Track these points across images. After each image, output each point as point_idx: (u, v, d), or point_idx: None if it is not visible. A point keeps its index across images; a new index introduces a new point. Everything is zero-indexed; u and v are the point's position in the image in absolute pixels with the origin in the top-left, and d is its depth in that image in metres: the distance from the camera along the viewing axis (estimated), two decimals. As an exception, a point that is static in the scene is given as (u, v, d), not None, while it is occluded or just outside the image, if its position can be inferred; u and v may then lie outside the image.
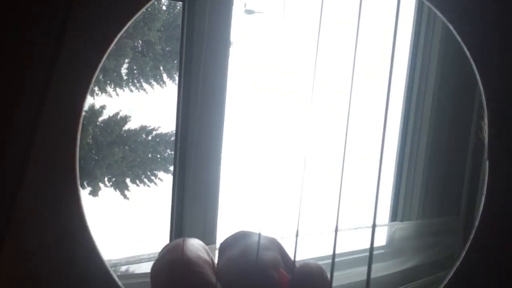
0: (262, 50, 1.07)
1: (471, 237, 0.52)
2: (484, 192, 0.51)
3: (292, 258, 0.68)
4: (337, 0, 1.03)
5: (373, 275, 1.15)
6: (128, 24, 0.49)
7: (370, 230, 1.19)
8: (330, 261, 1.08)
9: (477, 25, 0.52)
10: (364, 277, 1.12)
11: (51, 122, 0.48)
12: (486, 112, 0.51)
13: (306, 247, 1.07)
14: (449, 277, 0.52)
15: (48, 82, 0.47)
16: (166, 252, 0.70)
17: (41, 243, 0.48)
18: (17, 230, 0.47)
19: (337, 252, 1.14)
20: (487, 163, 0.51)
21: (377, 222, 1.24)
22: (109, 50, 0.48)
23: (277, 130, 1.10)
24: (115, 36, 0.48)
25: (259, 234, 0.67)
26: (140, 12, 0.49)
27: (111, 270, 0.50)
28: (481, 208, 0.51)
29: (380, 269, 1.18)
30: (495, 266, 0.53)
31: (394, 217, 1.30)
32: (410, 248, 1.24)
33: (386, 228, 1.24)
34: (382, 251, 1.25)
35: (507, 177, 0.52)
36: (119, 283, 0.50)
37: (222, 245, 0.76)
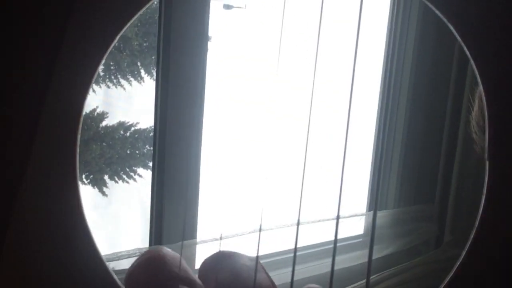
0: (242, 45, 1.08)
1: (471, 237, 0.53)
2: (484, 192, 0.52)
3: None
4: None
5: (352, 262, 1.18)
6: (130, 22, 0.49)
7: (348, 220, 1.21)
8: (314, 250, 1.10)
9: (477, 25, 0.53)
10: (341, 266, 1.15)
11: (51, 122, 0.48)
12: (486, 112, 0.53)
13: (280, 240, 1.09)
14: (449, 277, 0.54)
15: (48, 82, 0.46)
16: (141, 258, 0.66)
17: (41, 242, 0.48)
18: (17, 230, 0.47)
19: (318, 242, 1.17)
20: (487, 163, 0.52)
21: (355, 212, 1.27)
22: (110, 49, 0.48)
23: (255, 126, 1.12)
24: (116, 35, 0.48)
25: (256, 258, 0.65)
26: (142, 10, 0.49)
27: (111, 270, 0.51)
28: (481, 208, 0.52)
29: (358, 257, 1.21)
30: (495, 266, 0.55)
31: (371, 206, 1.33)
32: (387, 236, 1.27)
33: (363, 217, 1.27)
34: (361, 239, 1.28)
35: (507, 177, 0.53)
36: (119, 282, 0.51)
37: (203, 267, 0.71)
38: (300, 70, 1.13)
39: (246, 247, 1.04)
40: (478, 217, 0.52)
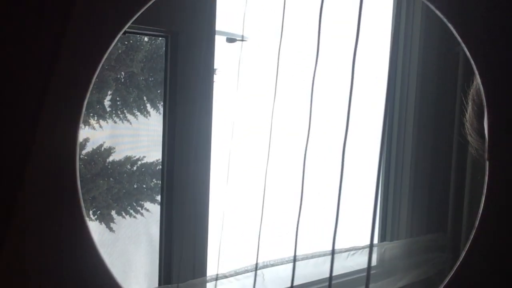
0: (246, 77, 1.09)
1: (471, 237, 0.52)
2: (484, 192, 0.52)
3: None
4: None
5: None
6: (129, 23, 0.49)
7: (360, 252, 1.19)
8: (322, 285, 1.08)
9: (477, 25, 0.53)
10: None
11: (51, 122, 0.47)
12: (486, 112, 0.52)
13: (298, 272, 1.06)
14: (449, 277, 0.53)
15: (48, 82, 0.46)
16: None
17: (41, 243, 0.47)
18: (17, 230, 0.46)
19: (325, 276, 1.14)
20: (487, 163, 0.52)
21: (366, 243, 1.24)
22: (109, 49, 0.49)
23: (265, 157, 1.11)
24: (117, 34, 0.48)
25: None
26: (143, 9, 0.50)
27: (111, 270, 0.49)
28: (481, 208, 0.52)
29: (372, 290, 1.18)
30: (495, 267, 0.53)
31: (383, 237, 1.31)
32: (400, 267, 1.24)
33: (376, 248, 1.24)
34: (373, 271, 1.25)
35: (507, 177, 0.52)
36: (119, 282, 0.50)
37: None
38: (304, 97, 1.13)
39: (257, 283, 1.02)
40: (478, 217, 0.52)
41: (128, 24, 0.50)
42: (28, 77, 0.47)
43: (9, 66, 0.46)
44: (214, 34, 0.98)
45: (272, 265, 0.99)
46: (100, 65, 0.49)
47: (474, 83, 0.60)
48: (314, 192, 1.14)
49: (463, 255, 0.52)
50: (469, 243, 0.52)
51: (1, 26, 0.45)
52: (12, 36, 0.45)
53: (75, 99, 0.48)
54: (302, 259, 1.06)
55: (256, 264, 0.90)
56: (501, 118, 0.51)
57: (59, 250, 0.48)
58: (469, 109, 0.62)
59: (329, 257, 1.13)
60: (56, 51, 0.46)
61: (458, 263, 0.52)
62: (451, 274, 0.52)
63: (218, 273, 0.97)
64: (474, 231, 0.51)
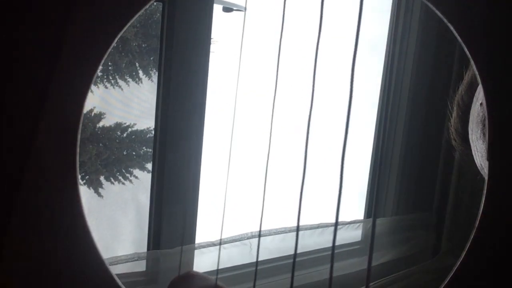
0: (243, 47, 1.07)
1: (471, 237, 0.53)
2: (484, 192, 0.52)
3: None
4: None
5: (349, 270, 1.18)
6: (131, 21, 0.48)
7: (346, 227, 1.21)
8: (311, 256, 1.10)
9: (477, 25, 0.53)
10: (339, 273, 1.14)
11: (52, 121, 0.47)
12: (486, 112, 0.52)
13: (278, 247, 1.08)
14: (449, 277, 0.53)
15: (48, 82, 0.46)
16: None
17: (41, 242, 0.47)
18: (17, 230, 0.46)
19: (316, 248, 1.16)
20: (487, 163, 0.52)
21: (352, 219, 1.26)
22: (110, 48, 0.48)
23: (257, 128, 1.11)
24: (117, 34, 0.47)
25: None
26: (143, 10, 0.48)
27: (111, 269, 0.50)
28: (481, 208, 0.52)
29: (356, 264, 1.21)
30: (495, 266, 0.54)
31: (369, 214, 1.33)
32: (385, 243, 1.26)
33: (362, 224, 1.26)
34: (358, 246, 1.27)
35: (507, 177, 0.53)
36: (119, 282, 0.50)
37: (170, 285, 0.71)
38: (300, 75, 1.13)
39: (244, 252, 1.03)
40: (478, 217, 0.52)
41: (131, 22, 0.49)
42: (33, 60, 0.46)
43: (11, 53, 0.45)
44: (213, 2, 0.96)
45: (262, 236, 1.01)
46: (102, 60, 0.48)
47: (460, 88, 0.61)
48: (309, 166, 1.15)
49: (463, 255, 0.53)
50: (469, 243, 0.52)
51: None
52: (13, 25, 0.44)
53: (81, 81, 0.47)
54: (290, 231, 1.08)
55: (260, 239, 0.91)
56: (501, 118, 0.52)
57: (58, 246, 0.48)
58: (454, 114, 0.62)
59: (317, 231, 1.15)
60: (60, 39, 0.45)
61: (458, 263, 0.53)
62: (451, 274, 0.53)
63: (205, 241, 0.98)
64: (474, 231, 0.52)
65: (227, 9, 1.12)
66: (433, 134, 1.34)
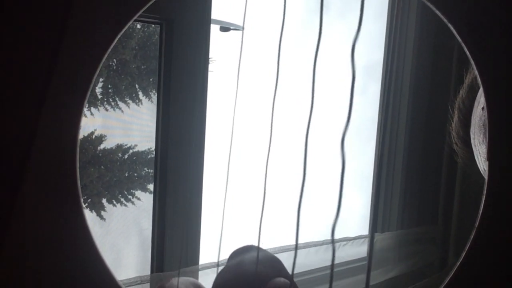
0: (241, 66, 1.08)
1: (471, 237, 0.53)
2: (484, 192, 0.52)
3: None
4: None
5: (356, 287, 1.16)
6: (129, 23, 0.48)
7: (351, 242, 1.20)
8: (319, 274, 1.08)
9: (477, 25, 0.53)
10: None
11: (51, 122, 0.47)
12: (486, 112, 0.52)
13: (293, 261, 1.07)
14: (449, 277, 0.53)
15: (48, 83, 0.46)
16: None
17: (41, 243, 0.47)
18: (17, 230, 0.46)
19: (321, 266, 1.14)
20: (487, 163, 0.52)
21: (357, 234, 1.25)
22: (109, 49, 0.48)
23: (259, 146, 1.11)
24: (116, 35, 0.48)
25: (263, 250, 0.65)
26: (142, 10, 0.49)
27: (111, 269, 0.49)
28: (481, 208, 0.52)
29: (362, 280, 1.19)
30: (495, 266, 0.54)
31: (374, 228, 1.32)
32: (391, 258, 1.25)
33: (366, 239, 1.25)
34: (364, 262, 1.26)
35: (507, 177, 0.53)
36: (119, 282, 0.49)
37: (230, 255, 0.74)
38: (299, 90, 1.13)
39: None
40: (478, 217, 0.52)
41: (128, 24, 0.49)
42: (29, 72, 0.46)
43: (8, 63, 0.45)
44: (210, 22, 0.97)
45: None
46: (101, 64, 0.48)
47: (461, 92, 0.61)
48: (311, 183, 1.15)
49: (463, 255, 0.52)
50: (469, 243, 0.52)
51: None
52: (11, 32, 0.44)
53: (77, 93, 0.47)
54: (293, 249, 1.07)
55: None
56: (501, 118, 0.52)
57: (58, 246, 0.48)
58: (455, 118, 0.62)
59: (323, 247, 1.13)
60: (56, 48, 0.45)
61: (458, 263, 0.53)
62: (451, 274, 0.52)
63: (210, 261, 0.97)
64: (474, 231, 0.52)
65: (225, 28, 1.13)
66: (435, 146, 1.33)
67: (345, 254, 1.18)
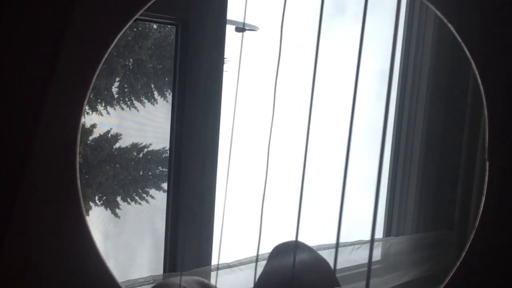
0: (256, 67, 1.08)
1: (471, 237, 0.52)
2: (484, 192, 0.51)
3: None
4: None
5: (370, 291, 1.15)
6: (130, 22, 0.49)
7: (365, 246, 1.19)
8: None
9: (477, 25, 0.52)
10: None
11: (52, 121, 0.47)
12: (486, 112, 0.52)
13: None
14: (449, 277, 0.52)
15: (49, 81, 0.46)
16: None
17: (41, 243, 0.47)
18: (17, 230, 0.46)
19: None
20: (487, 163, 0.51)
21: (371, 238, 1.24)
22: (110, 49, 0.48)
23: (273, 146, 1.10)
24: (116, 35, 0.48)
25: (314, 252, 0.63)
26: (142, 10, 0.49)
27: (111, 270, 0.49)
28: (481, 208, 0.51)
29: (375, 285, 1.18)
30: (495, 266, 0.53)
31: (388, 232, 1.31)
32: (405, 262, 1.24)
33: (380, 243, 1.24)
34: (378, 266, 1.24)
35: (507, 177, 0.52)
36: (119, 283, 0.50)
37: (273, 250, 0.72)
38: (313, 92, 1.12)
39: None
40: (478, 217, 0.51)
41: (131, 22, 0.49)
42: (31, 68, 0.46)
43: (8, 63, 0.45)
44: (225, 23, 0.97)
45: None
46: (103, 60, 0.48)
47: None
48: (319, 184, 1.14)
49: (464, 254, 0.52)
50: (469, 243, 0.51)
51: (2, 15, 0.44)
52: (14, 27, 0.45)
53: (78, 92, 0.47)
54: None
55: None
56: (501, 118, 0.51)
57: (58, 246, 0.48)
58: None
59: (333, 250, 1.12)
60: (59, 41, 0.46)
61: (459, 262, 0.52)
62: (452, 272, 0.52)
63: (221, 262, 0.97)
64: (474, 231, 0.51)
65: (240, 29, 1.13)
66: (451, 149, 1.32)
67: (358, 257, 1.17)
